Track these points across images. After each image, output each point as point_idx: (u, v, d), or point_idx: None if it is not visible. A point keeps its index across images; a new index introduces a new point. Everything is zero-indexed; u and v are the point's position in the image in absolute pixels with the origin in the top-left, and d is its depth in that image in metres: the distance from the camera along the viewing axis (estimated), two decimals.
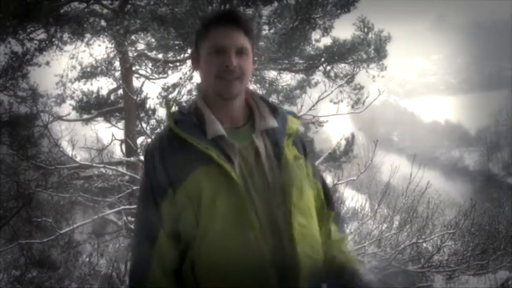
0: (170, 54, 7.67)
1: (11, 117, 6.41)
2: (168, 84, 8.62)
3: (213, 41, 1.37)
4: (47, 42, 6.80)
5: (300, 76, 8.86)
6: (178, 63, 8.26)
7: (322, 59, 8.26)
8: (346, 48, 7.77)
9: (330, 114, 7.38)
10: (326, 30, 7.47)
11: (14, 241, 5.14)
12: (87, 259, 6.46)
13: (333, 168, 8.34)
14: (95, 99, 8.92)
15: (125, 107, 8.35)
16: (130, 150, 7.15)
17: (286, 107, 8.79)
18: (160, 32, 6.00)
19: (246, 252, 1.27)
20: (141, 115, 8.18)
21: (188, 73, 8.11)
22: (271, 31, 6.82)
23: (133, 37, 7.52)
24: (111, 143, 5.71)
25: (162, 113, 8.65)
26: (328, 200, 1.54)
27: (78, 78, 9.02)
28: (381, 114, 52.49)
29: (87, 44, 8.14)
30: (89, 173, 7.82)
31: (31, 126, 6.57)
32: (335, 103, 8.37)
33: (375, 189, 8.23)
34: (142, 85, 8.91)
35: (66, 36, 7.07)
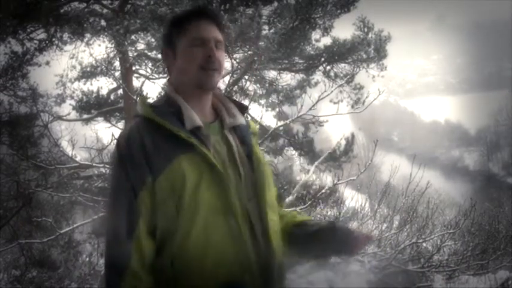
0: None
1: (11, 117, 6.40)
2: (166, 85, 8.60)
3: (195, 34, 1.41)
4: (47, 42, 6.79)
5: (300, 76, 8.85)
6: None
7: (322, 59, 8.25)
8: (346, 48, 7.76)
9: (329, 114, 7.40)
10: (326, 30, 7.46)
11: (14, 241, 5.15)
12: (87, 259, 6.46)
13: (333, 168, 8.33)
14: (95, 99, 8.91)
15: (125, 107, 8.33)
16: None
17: (286, 107, 8.80)
18: (160, 32, 5.99)
19: (230, 240, 1.30)
20: None
21: None
22: (271, 31, 6.81)
23: (133, 37, 7.51)
24: (111, 142, 5.71)
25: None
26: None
27: (78, 78, 9.01)
28: (381, 114, 52.52)
29: (87, 44, 8.13)
30: (89, 172, 7.82)
31: (31, 126, 6.56)
32: (335, 103, 8.37)
33: (375, 189, 8.24)
34: (142, 85, 8.91)
35: (66, 36, 7.05)
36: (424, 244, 6.46)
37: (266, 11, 6.77)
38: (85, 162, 6.04)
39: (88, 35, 7.27)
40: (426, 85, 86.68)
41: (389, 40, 7.87)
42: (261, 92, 8.90)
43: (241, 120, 1.48)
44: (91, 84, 9.09)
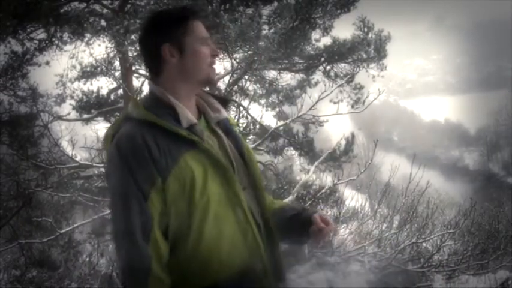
0: None
1: (11, 117, 6.40)
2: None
3: (202, 33, 1.44)
4: (46, 42, 6.79)
5: (299, 76, 8.85)
6: None
7: (322, 59, 8.25)
8: (346, 48, 7.76)
9: (329, 114, 7.40)
10: (326, 30, 7.46)
11: (14, 241, 5.14)
12: (87, 259, 6.45)
13: (333, 168, 8.33)
14: (95, 99, 8.91)
15: (125, 107, 8.33)
16: None
17: (286, 106, 8.80)
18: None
19: (239, 229, 1.36)
20: None
21: None
22: (271, 31, 6.81)
23: (133, 37, 7.50)
24: None
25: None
26: None
27: (78, 78, 9.01)
28: (381, 114, 52.53)
29: (87, 44, 8.13)
30: (89, 172, 7.82)
31: (31, 126, 6.56)
32: (335, 103, 8.37)
33: (375, 189, 8.25)
34: (142, 85, 8.92)
35: (66, 36, 7.05)
36: (424, 244, 6.46)
37: (266, 11, 6.77)
38: (85, 162, 6.04)
39: (88, 35, 7.27)
40: (426, 85, 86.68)
41: (389, 40, 7.87)
42: (261, 92, 8.90)
43: (224, 114, 1.52)
44: (91, 84, 9.09)
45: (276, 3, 6.76)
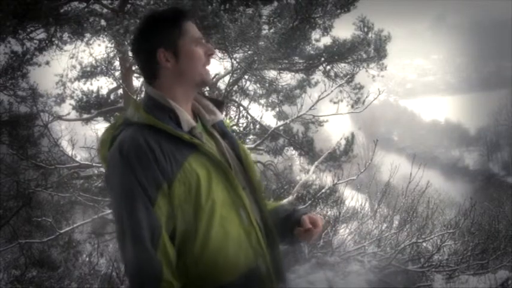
0: None
1: (10, 117, 6.40)
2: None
3: (195, 34, 1.43)
4: (46, 41, 6.79)
5: (299, 76, 8.85)
6: None
7: (322, 59, 8.25)
8: (346, 47, 7.76)
9: (329, 114, 7.40)
10: (326, 30, 7.47)
11: (14, 241, 5.14)
12: (87, 259, 6.45)
13: (333, 168, 8.33)
14: (95, 99, 8.90)
15: (125, 107, 8.32)
16: None
17: (286, 106, 8.80)
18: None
19: (242, 229, 1.37)
20: None
21: None
22: (271, 31, 6.81)
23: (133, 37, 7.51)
24: None
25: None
26: None
27: (78, 78, 9.00)
28: (381, 114, 52.53)
29: (87, 44, 8.12)
30: (89, 172, 7.81)
31: (31, 125, 6.56)
32: (335, 103, 8.37)
33: (375, 189, 8.24)
34: (142, 85, 8.90)
35: (66, 35, 7.03)
36: (424, 244, 6.45)
37: (266, 10, 6.77)
38: (85, 162, 6.04)
39: (88, 35, 7.25)
40: (426, 85, 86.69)
41: (389, 40, 7.87)
42: (261, 92, 8.90)
43: (220, 116, 1.51)
44: (91, 84, 9.08)
45: (276, 3, 6.77)
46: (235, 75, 7.24)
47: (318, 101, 5.84)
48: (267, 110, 9.20)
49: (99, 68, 8.98)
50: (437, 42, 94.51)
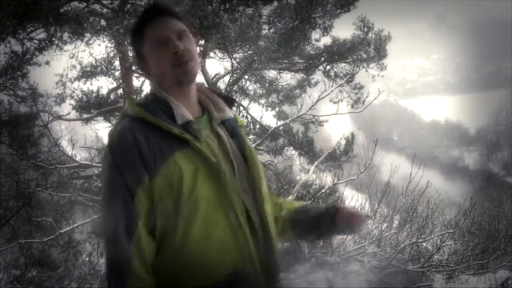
0: None
1: (10, 117, 6.39)
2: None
3: (153, 36, 1.39)
4: (46, 41, 6.78)
5: (299, 76, 8.84)
6: None
7: (322, 59, 8.25)
8: (346, 47, 7.76)
9: (329, 114, 7.41)
10: (326, 30, 7.46)
11: (14, 241, 5.15)
12: (87, 259, 6.45)
13: (333, 168, 8.33)
14: (95, 99, 8.89)
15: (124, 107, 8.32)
16: None
17: (286, 106, 8.80)
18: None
19: (230, 232, 1.31)
20: None
21: None
22: (271, 30, 6.81)
23: None
24: None
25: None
26: None
27: (78, 78, 8.99)
28: (381, 114, 52.56)
29: (87, 44, 8.11)
30: (89, 172, 7.81)
31: (31, 125, 6.55)
32: (335, 102, 8.37)
33: (375, 189, 8.24)
34: (142, 84, 8.89)
35: (66, 35, 7.03)
36: (424, 244, 6.45)
37: (266, 10, 6.77)
38: (85, 162, 6.04)
39: (88, 35, 7.25)
40: (426, 85, 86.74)
41: (389, 40, 7.87)
42: (261, 92, 8.90)
43: (229, 113, 1.49)
44: (91, 84, 9.07)
45: (276, 3, 6.76)
46: (235, 75, 7.24)
47: (318, 101, 5.84)
48: (267, 110, 9.20)
49: (99, 68, 8.97)
50: (437, 42, 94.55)
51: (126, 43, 6.79)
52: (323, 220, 1.54)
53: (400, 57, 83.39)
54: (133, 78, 8.74)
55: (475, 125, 50.55)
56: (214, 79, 7.73)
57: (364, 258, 5.87)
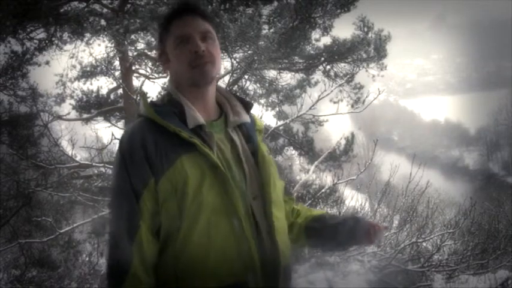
0: None
1: (10, 117, 6.39)
2: (167, 84, 8.58)
3: (176, 32, 1.39)
4: (46, 41, 6.79)
5: (299, 75, 8.85)
6: None
7: (322, 59, 8.25)
8: (346, 47, 7.76)
9: (329, 114, 7.40)
10: (326, 30, 7.47)
11: (14, 240, 5.14)
12: (87, 258, 6.45)
13: (333, 168, 8.33)
14: (95, 99, 8.91)
15: (125, 107, 8.34)
16: None
17: (286, 106, 8.80)
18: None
19: (233, 239, 1.29)
20: None
21: None
22: (271, 30, 6.81)
23: (133, 36, 7.50)
24: (111, 142, 5.70)
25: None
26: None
27: (78, 78, 9.00)
28: (381, 114, 52.59)
29: (87, 44, 8.12)
30: (89, 172, 7.81)
31: (31, 125, 6.55)
32: (335, 102, 8.38)
33: (375, 189, 8.23)
34: (142, 84, 8.90)
35: (66, 35, 7.03)
36: (424, 244, 6.45)
37: (266, 10, 6.77)
38: (85, 162, 6.03)
39: (88, 35, 7.26)
40: (426, 84, 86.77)
41: (389, 40, 7.87)
42: (261, 92, 8.90)
43: (245, 118, 1.46)
44: (91, 84, 9.09)
45: (276, 3, 6.77)
46: (235, 75, 7.24)
47: (318, 100, 5.83)
48: (267, 110, 9.21)
49: (99, 68, 8.98)
50: (437, 42, 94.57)
51: (126, 43, 6.79)
52: (341, 231, 1.52)
53: (400, 57, 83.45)
54: (134, 78, 8.76)
55: (475, 125, 50.57)
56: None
57: (364, 258, 5.86)
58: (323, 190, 6.72)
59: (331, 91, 6.60)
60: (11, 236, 5.56)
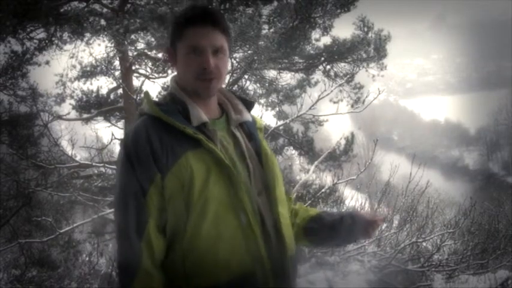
0: None
1: (10, 117, 6.40)
2: (168, 84, 8.60)
3: (190, 41, 1.38)
4: (46, 41, 6.79)
5: (299, 75, 8.85)
6: None
7: (322, 58, 8.26)
8: (346, 47, 7.77)
9: (329, 114, 7.40)
10: (326, 30, 7.47)
11: (14, 240, 5.14)
12: (87, 258, 6.45)
13: (333, 168, 8.34)
14: (95, 99, 8.91)
15: (125, 106, 8.34)
16: None
17: (286, 106, 8.80)
18: (160, 31, 5.99)
19: (240, 234, 1.31)
20: None
21: None
22: (271, 30, 6.81)
23: (133, 36, 7.50)
24: (110, 142, 5.70)
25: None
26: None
27: (78, 78, 9.00)
28: (381, 114, 52.60)
29: (87, 43, 8.12)
30: (89, 172, 7.82)
31: (31, 125, 6.56)
32: (335, 102, 8.38)
33: (375, 189, 8.23)
34: (142, 84, 8.91)
35: (66, 35, 7.04)
36: (424, 243, 6.45)
37: (266, 10, 6.77)
38: (85, 162, 6.03)
39: (88, 35, 7.26)
40: (426, 84, 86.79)
41: (389, 39, 7.88)
42: (260, 92, 8.90)
43: (247, 116, 1.49)
44: (91, 84, 9.09)
45: (276, 3, 6.77)
46: (235, 74, 7.24)
47: (317, 100, 5.82)
48: (266, 110, 9.22)
49: (99, 68, 8.98)
50: (437, 42, 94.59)
51: (126, 43, 6.78)
52: (338, 229, 1.55)
53: (400, 57, 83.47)
54: (133, 77, 8.75)
55: (475, 125, 50.58)
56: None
57: (364, 258, 5.86)
58: (323, 190, 6.72)
59: (331, 91, 6.60)
60: (11, 236, 5.56)
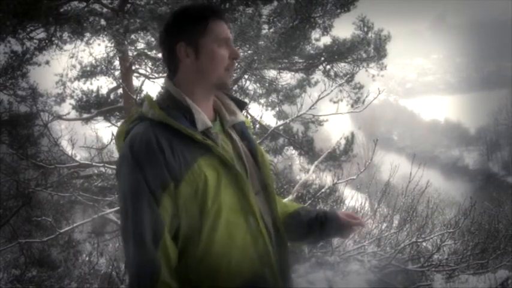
0: None
1: (10, 117, 6.40)
2: (169, 84, 8.57)
3: (221, 34, 1.39)
4: (46, 41, 6.80)
5: (299, 75, 8.85)
6: None
7: (322, 58, 8.26)
8: (345, 47, 7.77)
9: (329, 114, 7.39)
10: (326, 30, 7.47)
11: (14, 240, 5.14)
12: (87, 258, 6.46)
13: (333, 168, 8.34)
14: (95, 99, 8.91)
15: (125, 106, 8.34)
16: None
17: (286, 106, 8.80)
18: (160, 31, 5.99)
19: (250, 236, 1.33)
20: None
21: None
22: (271, 30, 6.81)
23: (133, 36, 7.51)
24: (110, 142, 5.70)
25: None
26: None
27: (78, 78, 9.01)
28: (381, 114, 52.61)
29: (87, 43, 8.13)
30: (89, 172, 7.82)
31: (31, 125, 6.56)
32: (335, 102, 8.38)
33: (375, 189, 8.23)
34: (142, 84, 8.90)
35: (66, 35, 7.04)
36: (424, 243, 6.45)
37: (266, 10, 6.77)
38: (85, 162, 6.03)
39: (88, 34, 7.26)
40: (426, 84, 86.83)
41: (389, 39, 7.88)
42: (260, 92, 8.90)
43: (240, 117, 1.48)
44: (91, 84, 9.09)
45: (276, 3, 6.76)
46: (235, 74, 7.24)
47: (317, 100, 5.82)
48: (266, 110, 9.21)
49: (99, 68, 8.99)
50: (437, 42, 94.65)
51: (126, 43, 6.78)
52: (314, 227, 1.56)
53: (400, 57, 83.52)
54: (133, 77, 8.76)
55: (475, 125, 50.60)
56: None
57: (364, 258, 5.86)
58: (323, 190, 6.71)
59: (331, 91, 6.60)
60: (11, 236, 5.57)
